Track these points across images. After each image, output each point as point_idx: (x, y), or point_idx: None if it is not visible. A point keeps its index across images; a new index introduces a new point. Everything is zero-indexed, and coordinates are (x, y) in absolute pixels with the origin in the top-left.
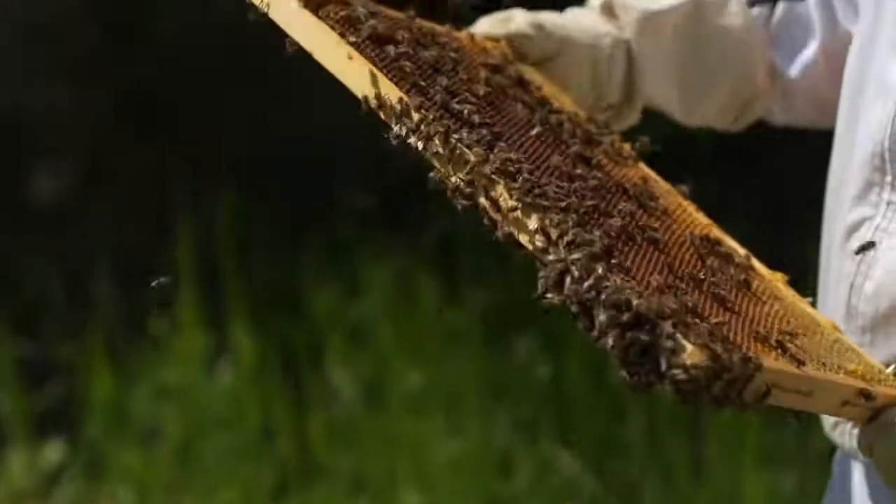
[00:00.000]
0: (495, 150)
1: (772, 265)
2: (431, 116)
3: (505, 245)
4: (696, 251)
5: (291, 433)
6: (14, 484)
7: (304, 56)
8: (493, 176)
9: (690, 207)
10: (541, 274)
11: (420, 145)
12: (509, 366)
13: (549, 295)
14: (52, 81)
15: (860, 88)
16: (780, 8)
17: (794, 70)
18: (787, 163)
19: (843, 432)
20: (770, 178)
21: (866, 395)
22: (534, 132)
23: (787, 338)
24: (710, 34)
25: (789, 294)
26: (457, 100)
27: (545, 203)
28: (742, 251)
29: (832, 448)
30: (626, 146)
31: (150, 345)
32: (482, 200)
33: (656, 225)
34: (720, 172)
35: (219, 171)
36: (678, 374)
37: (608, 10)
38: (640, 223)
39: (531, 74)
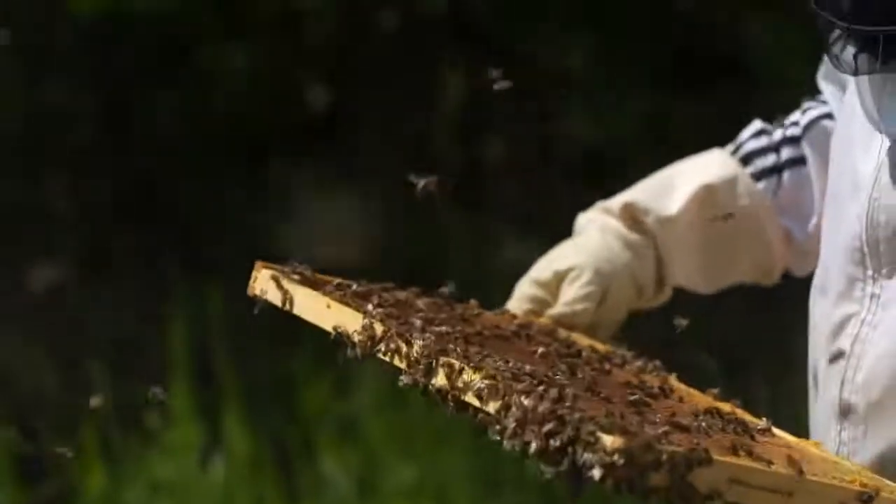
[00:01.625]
0: (457, 341)
1: (758, 352)
2: (395, 329)
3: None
4: (691, 415)
5: None
6: None
7: (300, 152)
8: (448, 355)
9: (719, 403)
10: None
11: (381, 349)
12: (500, 460)
13: (499, 439)
14: (49, 172)
15: (838, 191)
16: (786, 176)
17: (807, 232)
18: None
19: None
20: None
21: (866, 498)
22: (537, 354)
23: (755, 450)
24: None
25: (818, 452)
26: (436, 324)
27: (493, 366)
28: (762, 422)
29: None
30: (649, 365)
31: (143, 438)
32: (438, 380)
33: (648, 399)
34: None
35: (213, 263)
36: (602, 459)
37: (629, 216)
38: (625, 397)
39: (563, 331)
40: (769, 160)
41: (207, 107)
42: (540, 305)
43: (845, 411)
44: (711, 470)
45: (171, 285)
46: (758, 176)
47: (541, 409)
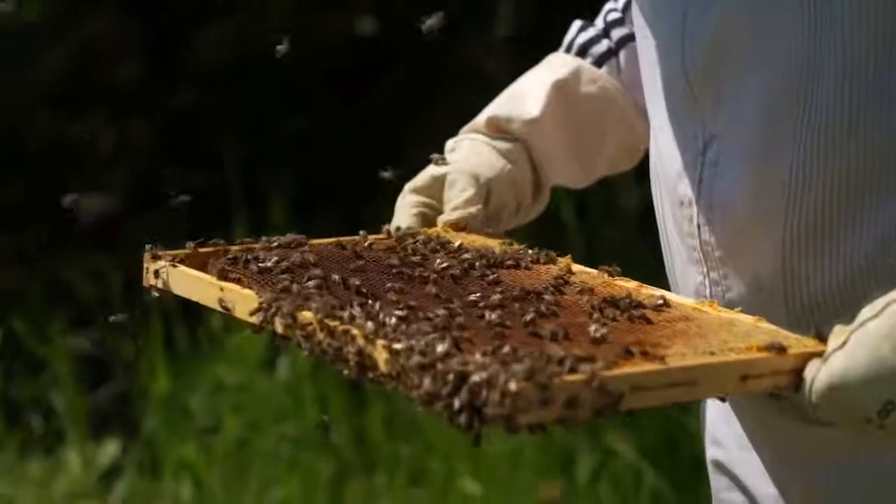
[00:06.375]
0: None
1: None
2: (276, 304)
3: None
4: (588, 312)
5: (349, 425)
6: (72, 482)
7: (339, 84)
8: (329, 320)
9: (614, 280)
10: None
11: (277, 328)
12: None
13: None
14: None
15: (649, 42)
16: (622, 56)
17: None
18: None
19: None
20: None
21: (754, 368)
22: (429, 288)
23: (648, 347)
24: (580, 109)
25: (715, 314)
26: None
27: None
28: (657, 293)
29: None
30: (541, 255)
31: (208, 342)
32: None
33: (545, 311)
34: None
35: (273, 183)
36: (501, 407)
37: (496, 128)
38: (521, 316)
39: (450, 236)
40: (603, 46)
41: (255, 41)
42: (429, 210)
43: (707, 252)
44: (612, 387)
45: (231, 183)
46: (598, 63)
47: (441, 367)
